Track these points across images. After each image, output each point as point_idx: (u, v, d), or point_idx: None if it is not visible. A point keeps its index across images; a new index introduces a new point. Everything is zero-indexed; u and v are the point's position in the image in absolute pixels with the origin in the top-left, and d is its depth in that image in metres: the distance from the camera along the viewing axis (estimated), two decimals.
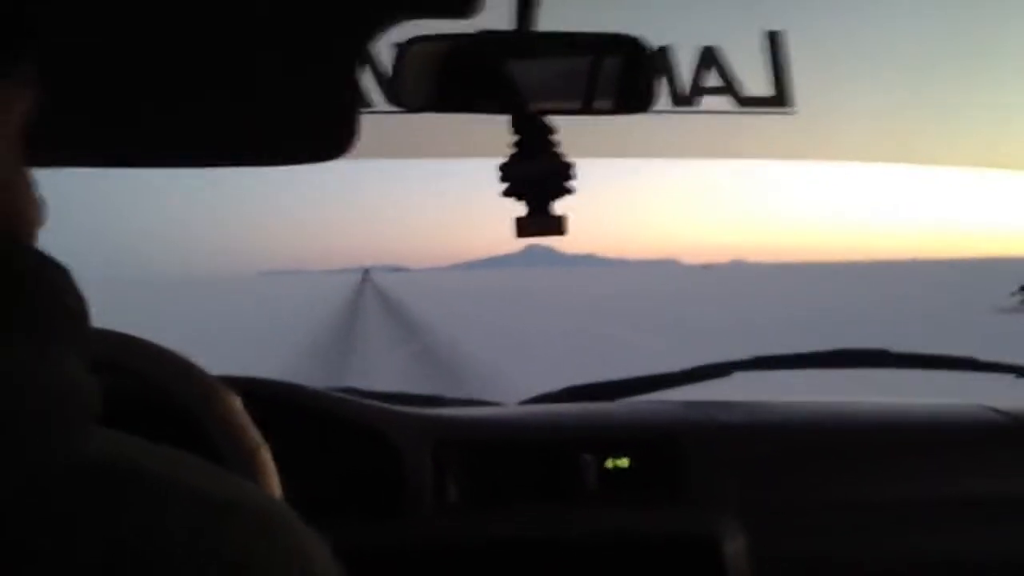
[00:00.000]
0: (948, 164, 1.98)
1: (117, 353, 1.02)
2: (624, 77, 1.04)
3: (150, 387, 1.01)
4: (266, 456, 1.00)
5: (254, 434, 1.00)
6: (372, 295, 49.22)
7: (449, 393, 1.79)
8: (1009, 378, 1.78)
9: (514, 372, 11.55)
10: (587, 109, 1.05)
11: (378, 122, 1.35)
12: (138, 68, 0.47)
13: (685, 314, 26.19)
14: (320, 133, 0.56)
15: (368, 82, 1.40)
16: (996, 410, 1.57)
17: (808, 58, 1.70)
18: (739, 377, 1.74)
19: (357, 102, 0.57)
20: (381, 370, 12.69)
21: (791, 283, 53.69)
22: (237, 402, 1.02)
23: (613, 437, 1.45)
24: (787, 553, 1.38)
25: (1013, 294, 20.06)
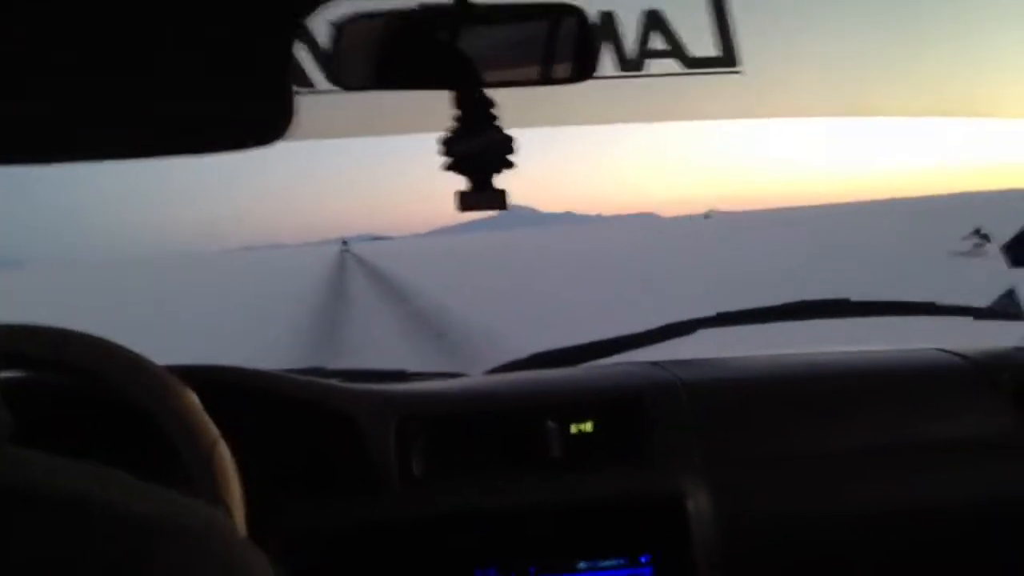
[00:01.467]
0: (895, 115, 1.99)
1: (66, 353, 1.02)
2: (566, 45, 1.04)
3: (102, 387, 1.01)
4: (223, 451, 1.00)
5: (211, 429, 1.00)
6: (354, 265, 48.95)
7: (437, 359, 1.80)
8: (967, 320, 1.81)
9: (501, 334, 11.56)
10: (531, 80, 1.05)
11: (316, 100, 1.35)
12: (58, 56, 0.45)
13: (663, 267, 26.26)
14: (256, 118, 0.55)
15: (307, 62, 1.39)
16: (956, 353, 1.60)
17: (753, 16, 1.70)
18: (703, 334, 1.75)
19: (290, 84, 0.56)
20: (370, 340, 12.67)
21: (764, 231, 53.81)
22: (192, 397, 1.02)
23: (577, 402, 1.47)
24: (752, 508, 1.41)
25: (965, 238, 20.14)
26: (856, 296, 1.78)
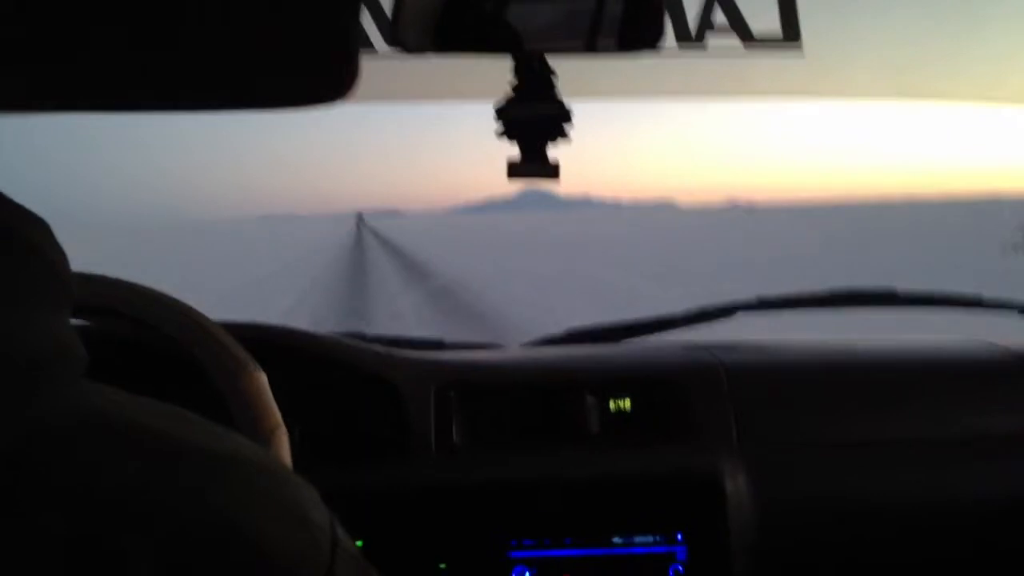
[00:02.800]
0: (956, 100, 1.96)
1: (150, 312, 1.03)
2: (628, 16, 1.02)
3: (178, 350, 1.02)
4: (283, 438, 1.01)
5: (274, 413, 1.01)
6: (371, 239, 49.10)
7: (459, 334, 1.80)
8: (1014, 315, 1.79)
9: (520, 314, 11.59)
10: (590, 49, 1.04)
11: (377, 65, 1.34)
12: (115, 3, 0.44)
13: (686, 258, 26.16)
14: (320, 75, 0.54)
15: (367, 24, 1.38)
16: (1000, 347, 1.58)
17: None
18: (743, 318, 1.74)
19: (358, 42, 0.54)
20: (387, 313, 12.74)
21: (798, 224, 53.47)
22: (263, 380, 1.02)
23: (616, 378, 1.46)
24: (789, 491, 1.40)
25: (1017, 229, 19.99)
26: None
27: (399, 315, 12.51)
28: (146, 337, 1.10)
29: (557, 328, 1.77)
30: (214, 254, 37.72)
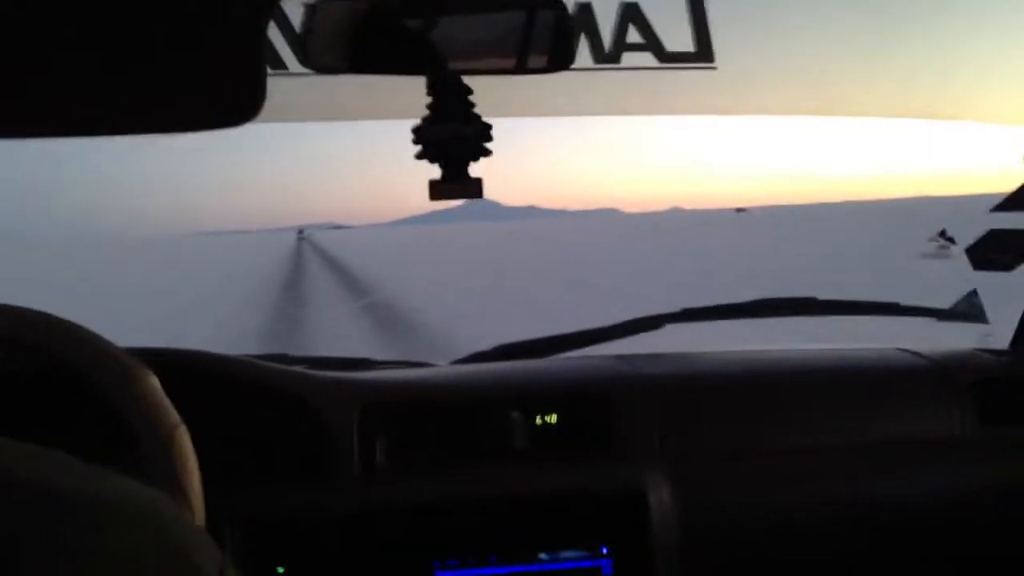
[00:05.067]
0: (864, 115, 2.03)
1: (24, 332, 0.99)
2: (544, 35, 1.03)
3: (61, 368, 0.98)
4: (183, 437, 0.98)
5: (171, 414, 0.98)
6: (312, 254, 48.48)
7: (398, 348, 1.78)
8: (931, 321, 1.84)
9: (457, 328, 11.54)
10: (507, 69, 1.04)
11: (294, 84, 1.32)
12: (27, 31, 0.44)
13: (627, 263, 26.41)
14: (226, 97, 0.53)
15: (280, 43, 1.36)
16: (917, 353, 1.62)
17: (729, 13, 1.72)
18: (670, 329, 1.76)
19: (263, 64, 0.54)
20: (326, 330, 12.56)
21: (729, 229, 54.48)
22: (154, 381, 1.00)
23: (543, 394, 1.47)
24: (713, 502, 1.42)
25: (931, 240, 20.68)
26: (823, 295, 1.80)
27: (336, 330, 12.33)
28: (24, 361, 1.06)
29: (494, 341, 1.77)
30: (140, 274, 36.61)
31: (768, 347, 1.72)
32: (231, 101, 0.52)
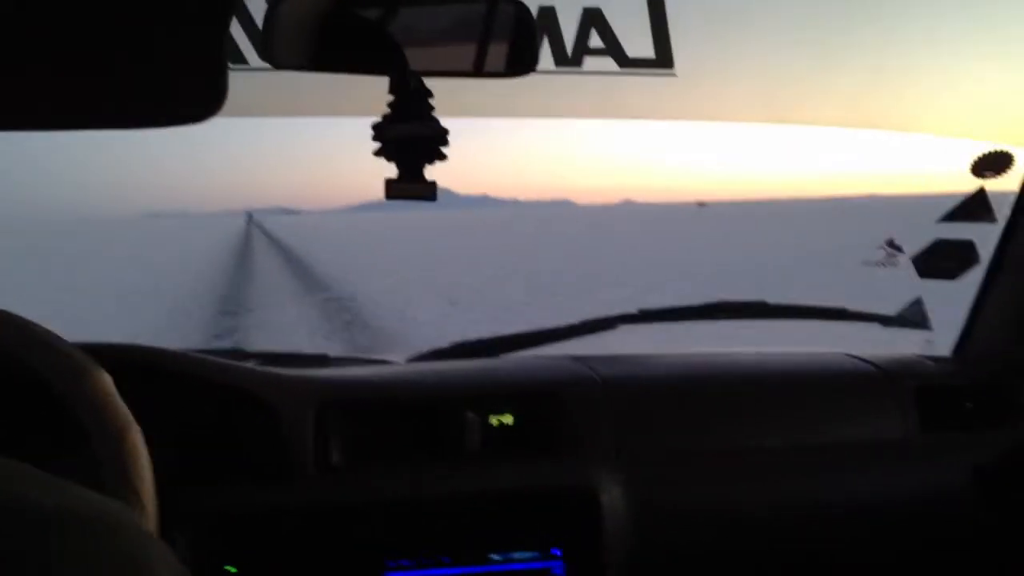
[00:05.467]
0: (816, 124, 2.08)
1: None
2: (507, 39, 1.04)
3: (8, 364, 0.96)
4: (136, 436, 0.96)
5: (123, 413, 0.96)
6: (261, 239, 47.72)
7: (349, 341, 1.78)
8: (875, 327, 1.90)
9: (413, 321, 11.47)
10: (468, 71, 1.04)
11: (259, 79, 1.31)
12: None
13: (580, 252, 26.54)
14: (187, 94, 0.53)
15: (241, 39, 1.35)
16: (862, 358, 1.66)
17: (689, 21, 1.74)
18: (624, 330, 1.78)
19: (225, 62, 0.54)
20: (274, 320, 12.37)
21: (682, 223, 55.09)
22: (106, 379, 0.97)
23: (497, 394, 1.48)
24: (664, 502, 1.44)
25: (879, 248, 21.19)
26: (772, 296, 1.85)
27: (283, 319, 12.15)
28: None
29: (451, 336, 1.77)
30: (94, 253, 35.62)
31: (720, 350, 1.75)
32: (192, 99, 0.52)
